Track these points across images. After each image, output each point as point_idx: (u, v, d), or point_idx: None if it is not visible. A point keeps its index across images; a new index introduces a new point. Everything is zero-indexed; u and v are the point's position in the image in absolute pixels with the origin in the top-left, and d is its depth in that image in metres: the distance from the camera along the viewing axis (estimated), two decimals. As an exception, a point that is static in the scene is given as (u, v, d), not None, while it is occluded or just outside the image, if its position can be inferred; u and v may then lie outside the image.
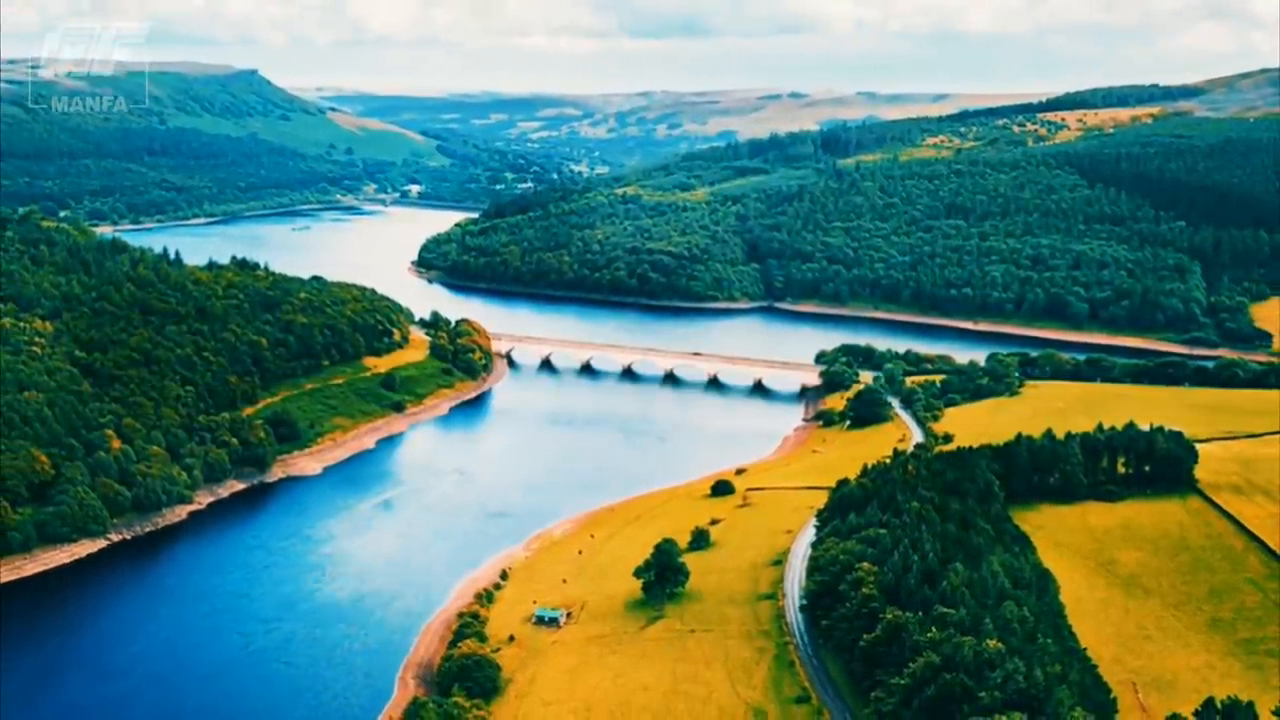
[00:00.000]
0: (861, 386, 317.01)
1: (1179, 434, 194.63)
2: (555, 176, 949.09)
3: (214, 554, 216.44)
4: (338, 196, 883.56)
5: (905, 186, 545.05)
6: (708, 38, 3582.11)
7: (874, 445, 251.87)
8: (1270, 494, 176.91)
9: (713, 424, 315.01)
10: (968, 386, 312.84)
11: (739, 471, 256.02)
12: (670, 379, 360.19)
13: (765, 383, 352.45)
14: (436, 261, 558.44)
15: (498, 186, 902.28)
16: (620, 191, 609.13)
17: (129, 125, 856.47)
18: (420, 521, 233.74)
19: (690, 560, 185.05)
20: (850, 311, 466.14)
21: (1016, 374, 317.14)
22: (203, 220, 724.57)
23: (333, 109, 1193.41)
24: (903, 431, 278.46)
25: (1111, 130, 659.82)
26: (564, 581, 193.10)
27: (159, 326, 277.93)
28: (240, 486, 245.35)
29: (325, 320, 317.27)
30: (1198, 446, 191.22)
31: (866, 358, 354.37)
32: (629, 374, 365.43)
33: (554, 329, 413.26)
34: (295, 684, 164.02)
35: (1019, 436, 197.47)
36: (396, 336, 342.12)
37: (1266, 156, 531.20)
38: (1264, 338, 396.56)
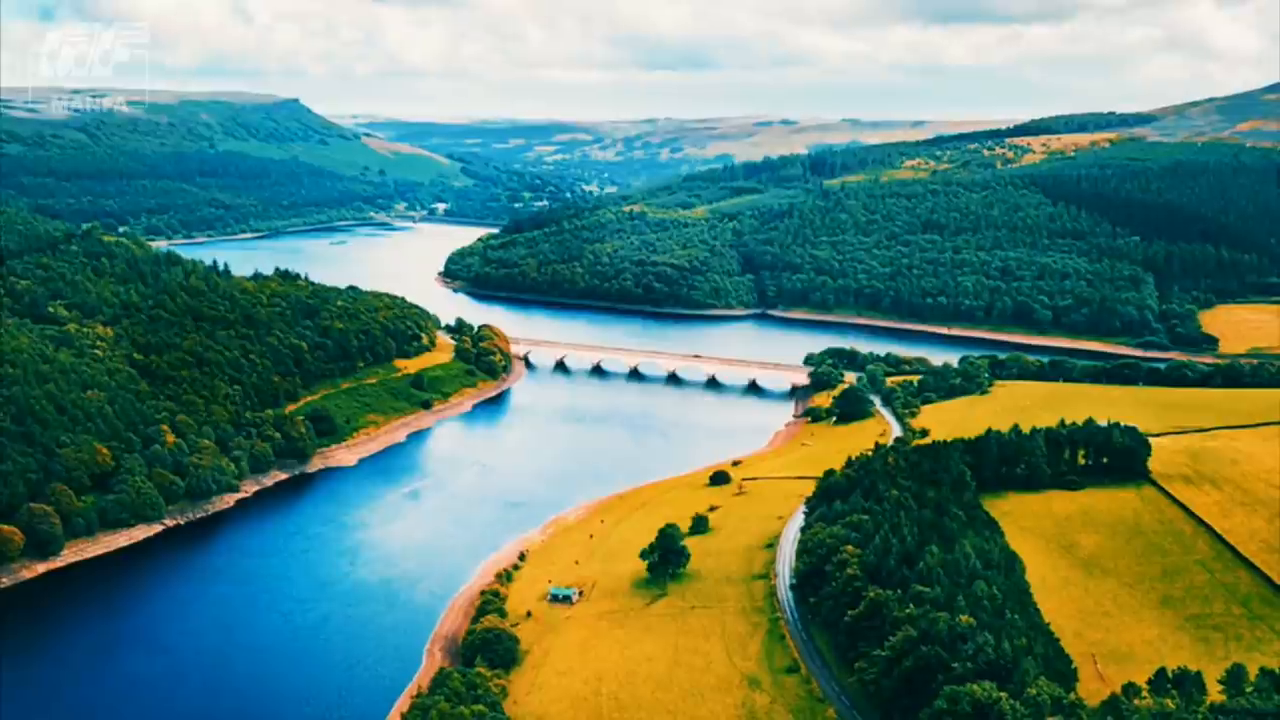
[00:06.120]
0: (846, 386, 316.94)
1: (1134, 429, 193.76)
2: (568, 195, 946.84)
3: (259, 538, 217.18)
4: (371, 214, 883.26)
5: (886, 205, 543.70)
6: (708, 70, 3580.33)
7: (857, 439, 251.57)
8: (1217, 484, 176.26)
9: (711, 420, 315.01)
10: (942, 386, 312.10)
11: (735, 463, 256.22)
12: (673, 379, 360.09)
13: (759, 382, 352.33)
14: (461, 273, 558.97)
15: (516, 205, 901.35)
16: (627, 209, 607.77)
17: (182, 149, 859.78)
18: (446, 508, 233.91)
19: (691, 544, 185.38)
20: (836, 318, 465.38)
21: (987, 374, 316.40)
22: (249, 235, 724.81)
23: (367, 134, 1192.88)
24: (883, 427, 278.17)
25: (1073, 153, 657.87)
26: (576, 563, 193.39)
27: (209, 331, 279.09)
28: (283, 476, 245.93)
29: (360, 326, 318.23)
30: (1151, 440, 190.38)
31: (850, 360, 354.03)
32: (635, 374, 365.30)
33: (567, 334, 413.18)
34: (332, 657, 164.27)
35: (989, 431, 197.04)
36: (424, 340, 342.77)
37: (1213, 178, 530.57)
38: (1211, 342, 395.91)
